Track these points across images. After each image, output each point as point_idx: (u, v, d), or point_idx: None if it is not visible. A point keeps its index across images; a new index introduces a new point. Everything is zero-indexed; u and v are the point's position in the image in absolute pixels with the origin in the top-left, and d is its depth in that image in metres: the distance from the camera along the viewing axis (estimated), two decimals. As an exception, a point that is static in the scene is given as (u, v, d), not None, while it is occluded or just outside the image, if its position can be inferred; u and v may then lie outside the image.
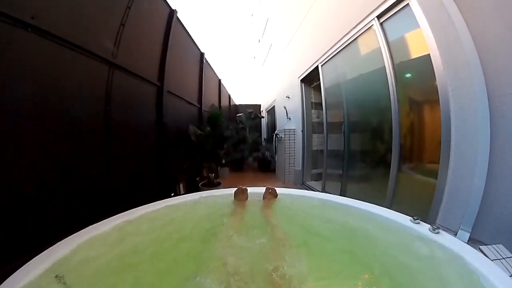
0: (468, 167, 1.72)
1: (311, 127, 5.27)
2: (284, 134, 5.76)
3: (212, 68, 6.54)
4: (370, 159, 3.20)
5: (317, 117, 5.19)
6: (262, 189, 1.95)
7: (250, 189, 1.96)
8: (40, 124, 1.51)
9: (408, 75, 2.46)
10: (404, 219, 1.33)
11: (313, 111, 5.27)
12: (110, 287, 1.02)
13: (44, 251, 1.00)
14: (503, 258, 1.33)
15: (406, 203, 2.40)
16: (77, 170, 1.82)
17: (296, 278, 1.05)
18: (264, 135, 10.87)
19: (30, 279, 0.84)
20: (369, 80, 3.05)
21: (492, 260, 1.13)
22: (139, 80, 2.73)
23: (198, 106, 5.18)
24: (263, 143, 8.04)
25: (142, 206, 1.58)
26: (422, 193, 2.27)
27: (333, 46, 3.65)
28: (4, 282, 0.81)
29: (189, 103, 4.60)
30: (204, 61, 5.52)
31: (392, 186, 2.51)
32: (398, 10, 2.33)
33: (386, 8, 2.41)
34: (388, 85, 2.49)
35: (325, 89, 4.18)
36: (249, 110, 8.34)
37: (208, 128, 4.38)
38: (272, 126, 9.42)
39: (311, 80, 5.05)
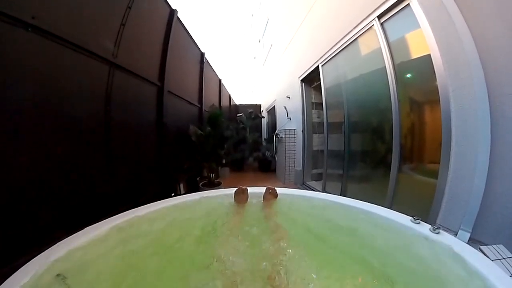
0: (468, 167, 1.72)
1: (311, 127, 5.27)
2: (285, 134, 5.76)
3: (212, 68, 6.54)
4: (371, 159, 3.20)
5: (318, 117, 5.19)
6: (262, 189, 1.95)
7: (250, 189, 1.96)
8: (40, 124, 1.51)
9: (408, 75, 2.46)
10: (404, 219, 1.32)
11: (313, 111, 5.27)
12: (111, 287, 1.02)
13: (44, 251, 1.00)
14: (504, 258, 1.32)
15: (407, 203, 2.39)
16: (77, 170, 1.82)
17: (296, 278, 1.05)
18: (264, 135, 10.87)
19: (30, 279, 0.84)
20: (369, 80, 3.04)
21: (492, 260, 1.13)
22: (139, 80, 2.73)
23: (199, 106, 5.18)
24: (264, 143, 8.04)
25: (142, 206, 1.58)
26: (422, 193, 2.27)
27: (333, 46, 3.64)
28: (4, 282, 0.81)
29: (190, 103, 4.60)
30: (205, 61, 5.52)
31: (392, 186, 2.50)
32: (399, 10, 2.32)
33: (387, 8, 2.41)
34: (389, 85, 2.49)
35: (326, 89, 4.17)
36: (250, 110, 8.34)
37: (209, 128, 4.38)
38: (272, 126, 9.42)
39: (311, 80, 5.05)
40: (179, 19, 3.81)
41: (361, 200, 1.67)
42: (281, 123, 7.10)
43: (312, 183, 5.07)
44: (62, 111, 1.68)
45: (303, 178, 5.29)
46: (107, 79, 2.13)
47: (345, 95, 3.55)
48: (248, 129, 7.88)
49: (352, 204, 1.64)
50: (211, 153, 4.33)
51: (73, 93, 1.77)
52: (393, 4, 2.31)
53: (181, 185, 3.94)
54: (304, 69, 4.96)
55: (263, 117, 10.19)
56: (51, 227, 1.55)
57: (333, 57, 3.77)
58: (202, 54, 5.46)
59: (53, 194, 1.61)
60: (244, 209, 1.83)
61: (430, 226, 1.19)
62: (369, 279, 1.09)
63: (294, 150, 5.72)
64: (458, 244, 1.05)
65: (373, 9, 2.59)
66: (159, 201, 1.68)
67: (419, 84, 2.40)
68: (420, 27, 2.04)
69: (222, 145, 4.70)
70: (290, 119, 6.27)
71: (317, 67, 4.32)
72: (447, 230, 1.61)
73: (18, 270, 0.87)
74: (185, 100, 4.31)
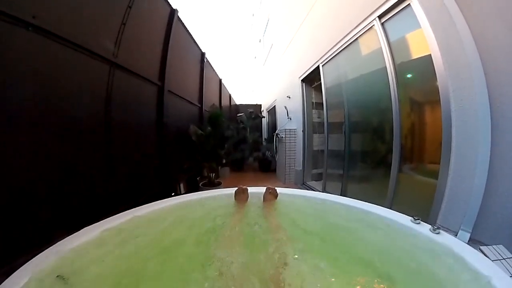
0: (468, 168, 1.72)
1: (311, 127, 5.27)
2: (285, 134, 5.76)
3: (213, 68, 6.54)
4: (371, 159, 3.19)
5: (318, 117, 5.19)
6: (262, 189, 1.95)
7: (250, 189, 1.96)
8: (40, 124, 1.51)
9: (409, 75, 2.45)
10: (404, 219, 1.32)
11: (313, 111, 5.27)
12: (111, 287, 1.02)
13: (44, 251, 1.00)
14: (504, 259, 1.32)
15: (407, 203, 2.39)
16: (78, 170, 1.82)
17: (296, 278, 1.05)
18: (264, 135, 10.87)
19: (30, 279, 0.84)
20: (370, 80, 3.04)
21: (492, 261, 1.13)
22: (140, 80, 2.73)
23: (199, 105, 5.18)
24: (264, 143, 8.04)
25: (142, 206, 1.58)
26: (422, 193, 2.27)
27: (334, 46, 3.64)
28: (5, 282, 0.81)
29: (190, 102, 4.60)
30: (205, 60, 5.52)
31: (392, 186, 2.50)
32: (400, 11, 2.32)
33: (388, 8, 2.40)
34: (389, 86, 2.49)
35: (326, 89, 4.17)
36: (250, 110, 8.35)
37: (209, 128, 4.39)
38: (272, 126, 9.42)
39: (312, 80, 5.05)
40: (180, 18, 3.81)
41: (361, 200, 1.67)
42: (282, 123, 7.10)
43: (312, 183, 5.07)
44: (62, 111, 1.68)
45: (303, 178, 5.29)
46: (107, 79, 2.13)
47: (345, 95, 3.55)
48: (248, 129, 7.88)
49: (353, 204, 1.64)
50: (211, 153, 4.34)
51: (73, 93, 1.77)
52: (393, 4, 2.31)
53: (181, 185, 3.95)
54: (305, 69, 4.96)
55: (264, 117, 10.20)
56: (51, 227, 1.55)
57: (333, 57, 3.77)
58: (203, 54, 5.46)
59: (53, 194, 1.61)
60: (244, 209, 1.83)
61: (430, 226, 1.19)
62: (369, 279, 1.09)
63: (294, 150, 5.72)
64: (458, 245, 1.05)
65: (374, 9, 2.59)
66: (159, 201, 1.68)
67: (420, 84, 2.40)
68: (420, 27, 2.03)
69: (223, 145, 4.70)
70: (290, 119, 6.26)
71: (318, 67, 4.32)
72: (447, 230, 1.61)
73: (18, 270, 0.87)
74: (186, 99, 4.31)
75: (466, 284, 0.89)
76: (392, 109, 2.47)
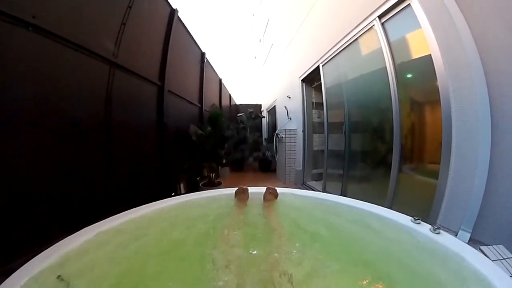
0: (468, 168, 1.72)
1: (311, 127, 5.27)
2: (285, 134, 5.76)
3: (213, 68, 6.54)
4: (371, 159, 3.19)
5: (318, 117, 5.18)
6: (262, 189, 1.95)
7: (250, 189, 1.96)
8: (40, 124, 1.51)
9: (409, 75, 2.45)
10: (404, 219, 1.32)
11: (314, 111, 5.27)
12: (111, 287, 1.02)
13: (44, 251, 1.00)
14: (504, 259, 1.32)
15: (407, 203, 2.39)
16: (78, 170, 1.82)
17: (296, 278, 1.05)
18: (264, 135, 10.87)
19: (31, 278, 0.84)
20: (370, 80, 3.04)
21: (492, 261, 1.13)
22: (140, 80, 2.73)
23: (199, 105, 5.18)
24: (264, 143, 8.04)
25: (142, 206, 1.58)
26: (423, 193, 2.27)
27: (334, 46, 3.64)
28: (5, 282, 0.81)
29: (190, 102, 4.60)
30: (205, 60, 5.52)
31: (392, 186, 2.50)
32: (400, 11, 2.32)
33: (388, 8, 2.40)
34: (389, 85, 2.49)
35: (326, 89, 4.17)
36: (250, 110, 8.34)
37: (209, 128, 4.38)
38: (272, 126, 9.42)
39: (312, 80, 5.05)
40: (180, 18, 3.81)
41: (361, 200, 1.67)
42: (282, 123, 7.10)
43: (313, 183, 5.07)
44: (62, 111, 1.68)
45: (304, 178, 5.29)
46: (107, 79, 2.13)
47: (345, 95, 3.55)
48: (248, 129, 7.88)
49: (353, 204, 1.64)
50: (212, 153, 4.33)
51: (73, 93, 1.77)
52: (393, 4, 2.31)
53: (181, 185, 3.95)
54: (305, 69, 4.95)
55: (264, 117, 10.19)
56: (51, 227, 1.55)
57: (333, 57, 3.77)
58: (203, 54, 5.46)
59: (53, 194, 1.61)
60: (245, 208, 1.83)
61: (430, 226, 1.19)
62: (369, 279, 1.09)
63: (295, 150, 5.72)
64: (458, 245, 1.05)
65: (374, 9, 2.59)
66: (159, 201, 1.68)
67: (420, 84, 2.40)
68: (421, 27, 2.03)
69: (223, 145, 4.70)
70: (290, 119, 6.26)
71: (318, 67, 4.32)
72: (448, 230, 1.60)
73: (19, 270, 0.87)
74: (186, 99, 4.31)
75: (466, 284, 0.89)
76: (392, 109, 2.46)
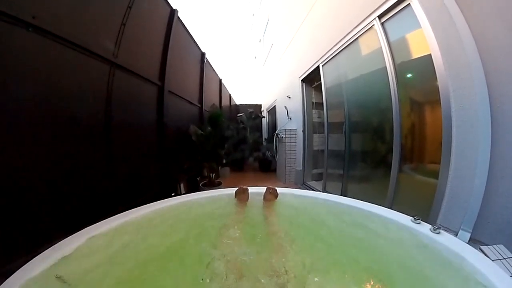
0: (469, 168, 1.72)
1: (312, 127, 5.27)
2: (285, 134, 5.76)
3: (213, 68, 6.54)
4: (371, 159, 3.19)
5: (318, 117, 5.19)
6: (262, 189, 1.95)
7: (250, 189, 1.96)
8: (40, 124, 1.51)
9: (409, 75, 2.45)
10: (405, 219, 1.32)
11: (314, 111, 5.27)
12: (110, 287, 1.02)
13: (44, 251, 1.00)
14: (504, 259, 1.32)
15: (407, 203, 2.39)
16: (78, 170, 1.82)
17: (296, 278, 1.05)
18: (265, 135, 10.87)
19: (31, 279, 0.84)
20: (370, 80, 3.04)
21: (493, 260, 1.13)
22: (140, 80, 2.73)
23: (199, 106, 5.18)
24: (264, 143, 8.04)
25: (142, 206, 1.58)
26: (423, 193, 2.27)
27: (334, 46, 3.64)
28: (5, 282, 0.81)
29: (190, 102, 4.60)
30: (205, 60, 5.52)
31: (393, 186, 2.50)
32: (399, 10, 2.32)
33: (387, 8, 2.40)
34: (389, 85, 2.49)
35: (326, 89, 4.17)
36: (250, 110, 8.34)
37: (209, 128, 4.39)
38: (273, 126, 9.42)
39: (312, 80, 5.05)
40: (180, 19, 3.81)
41: (361, 200, 1.67)
42: (282, 123, 7.10)
43: (313, 183, 5.07)
44: (62, 111, 1.68)
45: (304, 178, 5.29)
46: (107, 79, 2.13)
47: (345, 95, 3.55)
48: (248, 129, 7.88)
49: (353, 204, 1.64)
50: (212, 153, 4.34)
51: (73, 93, 1.77)
52: (393, 4, 2.31)
53: (182, 185, 3.95)
54: (305, 69, 4.96)
55: (264, 117, 10.19)
56: (51, 227, 1.55)
57: (333, 57, 3.77)
58: (203, 54, 5.46)
59: (53, 194, 1.60)
60: (245, 208, 1.83)
61: (430, 226, 1.19)
62: (369, 279, 1.09)
63: (295, 150, 5.72)
64: (458, 244, 1.05)
65: (374, 9, 2.59)
66: (159, 201, 1.68)
67: (420, 84, 2.40)
68: (420, 27, 2.03)
69: (223, 145, 4.70)
70: (290, 119, 6.26)
71: (318, 67, 4.32)
72: (448, 230, 1.61)
73: (18, 270, 0.87)
74: (186, 100, 4.31)
75: (467, 284, 0.89)
76: (392, 109, 2.46)
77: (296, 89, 5.63)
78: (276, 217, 1.73)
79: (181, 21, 3.89)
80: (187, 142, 4.09)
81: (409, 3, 2.15)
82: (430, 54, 1.96)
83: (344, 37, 3.29)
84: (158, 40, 3.27)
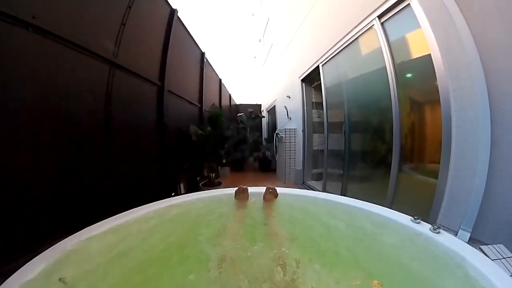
0: (468, 167, 1.72)
1: (311, 127, 5.27)
2: (285, 134, 5.76)
3: (212, 68, 6.54)
4: (371, 159, 3.19)
5: (318, 117, 5.19)
6: (262, 189, 1.95)
7: (250, 189, 1.96)
8: (40, 124, 1.51)
9: (409, 75, 2.45)
10: (404, 219, 1.32)
11: (313, 111, 5.27)
12: (111, 287, 1.02)
13: (44, 251, 1.00)
14: (504, 258, 1.33)
15: (407, 203, 2.39)
16: (77, 170, 1.82)
17: (296, 278, 1.05)
18: (264, 134, 10.87)
19: (31, 279, 0.84)
20: (370, 80, 3.04)
21: (492, 260, 1.13)
22: (140, 80, 2.73)
23: (199, 105, 5.18)
24: (264, 143, 8.03)
25: (142, 206, 1.58)
26: (422, 193, 2.27)
27: (334, 46, 3.64)
28: (5, 282, 0.81)
29: (190, 102, 4.60)
30: (205, 60, 5.52)
31: (392, 186, 2.50)
32: (399, 10, 2.32)
33: (387, 8, 2.41)
34: (389, 85, 2.49)
35: (326, 89, 4.17)
36: (250, 110, 8.33)
37: (209, 128, 4.39)
38: (272, 125, 9.42)
39: (311, 80, 5.05)
40: (179, 18, 3.81)
41: (361, 199, 1.67)
42: (282, 123, 7.10)
43: (312, 183, 5.07)
44: (62, 111, 1.68)
45: (303, 178, 5.29)
46: (107, 79, 2.13)
47: (345, 94, 3.55)
48: (248, 129, 7.87)
49: (353, 204, 1.64)
50: (212, 152, 4.34)
51: (73, 93, 1.77)
52: (393, 4, 2.31)
53: (182, 185, 3.95)
54: (305, 69, 4.96)
55: (263, 117, 10.19)
56: (51, 227, 1.55)
57: (333, 56, 3.77)
58: (203, 54, 5.46)
59: (53, 194, 1.60)
60: (245, 208, 1.83)
61: (430, 225, 1.19)
62: (369, 279, 1.09)
63: (294, 150, 5.73)
64: (458, 244, 1.05)
65: (374, 9, 2.59)
66: (159, 201, 1.68)
67: (420, 84, 2.40)
68: (420, 27, 2.04)
69: (223, 145, 4.70)
70: (290, 118, 6.26)
71: (318, 66, 4.32)
72: (447, 230, 1.61)
73: (18, 270, 0.87)
74: (186, 99, 4.31)
75: (467, 284, 0.89)
76: (392, 109, 2.47)
77: (296, 89, 5.63)
78: (276, 217, 1.73)
79: (181, 21, 3.89)
80: (187, 142, 4.09)
81: (409, 3, 2.15)
82: (429, 54, 1.96)
83: (344, 37, 3.30)
84: (158, 40, 3.27)
